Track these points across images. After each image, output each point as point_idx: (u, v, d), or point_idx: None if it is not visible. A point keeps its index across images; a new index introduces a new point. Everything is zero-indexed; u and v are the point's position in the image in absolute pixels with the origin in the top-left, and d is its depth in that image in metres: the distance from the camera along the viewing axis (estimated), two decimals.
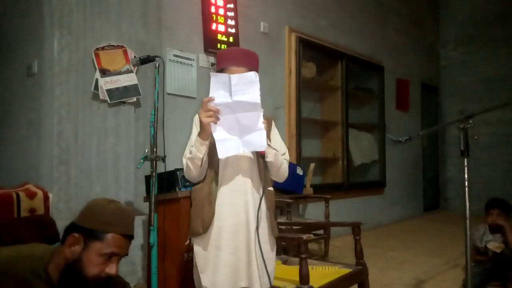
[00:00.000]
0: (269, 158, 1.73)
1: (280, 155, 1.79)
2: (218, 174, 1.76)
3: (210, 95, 1.63)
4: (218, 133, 1.66)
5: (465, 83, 7.70)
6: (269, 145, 1.72)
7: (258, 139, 1.66)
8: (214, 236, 1.74)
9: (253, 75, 1.62)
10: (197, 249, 1.77)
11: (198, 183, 1.81)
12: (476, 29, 7.62)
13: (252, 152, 1.78)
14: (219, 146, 1.65)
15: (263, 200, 1.76)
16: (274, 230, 1.83)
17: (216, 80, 1.63)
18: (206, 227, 1.73)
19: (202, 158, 1.68)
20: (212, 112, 1.62)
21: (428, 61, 7.72)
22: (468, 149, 2.22)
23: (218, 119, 1.64)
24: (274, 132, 1.86)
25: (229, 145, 1.66)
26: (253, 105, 1.62)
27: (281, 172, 1.81)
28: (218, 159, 1.73)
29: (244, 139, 1.67)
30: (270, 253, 1.80)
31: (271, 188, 1.86)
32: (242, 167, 1.76)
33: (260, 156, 1.76)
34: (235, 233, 1.72)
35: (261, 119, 1.65)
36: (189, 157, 1.70)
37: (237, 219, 1.73)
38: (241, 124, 1.66)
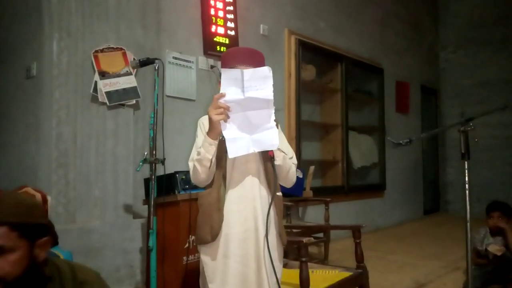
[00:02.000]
0: (277, 161, 1.65)
1: (288, 159, 1.71)
2: (226, 178, 1.69)
3: (221, 91, 1.57)
4: (228, 131, 1.58)
5: (464, 86, 7.70)
6: (278, 148, 1.65)
7: (269, 138, 1.58)
8: (222, 244, 1.66)
9: (266, 70, 1.57)
10: (205, 258, 1.69)
11: (204, 188, 1.73)
12: (475, 31, 7.62)
13: (260, 155, 1.71)
14: (229, 145, 1.57)
15: (272, 206, 1.68)
16: (283, 237, 1.76)
17: (228, 76, 1.57)
18: (215, 235, 1.64)
19: (211, 159, 1.60)
20: (222, 109, 1.54)
21: (427, 64, 7.73)
22: (468, 151, 2.20)
23: (228, 116, 1.57)
24: (280, 135, 1.75)
25: (239, 144, 1.58)
26: (266, 102, 1.56)
27: (290, 177, 1.74)
28: (225, 162, 1.67)
29: (254, 138, 1.60)
30: (276, 261, 1.71)
31: (279, 194, 1.78)
32: (249, 171, 1.69)
33: (268, 159, 1.68)
34: (244, 241, 1.65)
35: (273, 117, 1.58)
36: (197, 158, 1.62)
37: (246, 225, 1.66)
38: (251, 122, 1.59)
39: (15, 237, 1.18)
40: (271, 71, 1.57)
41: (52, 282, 1.28)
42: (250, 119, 1.58)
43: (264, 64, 1.66)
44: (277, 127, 1.64)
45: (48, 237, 1.27)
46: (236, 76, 1.56)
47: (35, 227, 1.24)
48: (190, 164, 1.67)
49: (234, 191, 1.69)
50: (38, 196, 2.58)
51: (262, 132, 1.59)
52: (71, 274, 1.33)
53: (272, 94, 1.57)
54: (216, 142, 1.61)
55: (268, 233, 1.63)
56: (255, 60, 1.69)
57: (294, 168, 1.75)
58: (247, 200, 1.68)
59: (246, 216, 1.66)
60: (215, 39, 3.83)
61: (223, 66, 1.70)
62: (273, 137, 1.59)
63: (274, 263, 1.63)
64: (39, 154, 2.92)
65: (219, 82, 1.61)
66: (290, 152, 1.76)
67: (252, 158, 1.69)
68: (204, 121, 1.72)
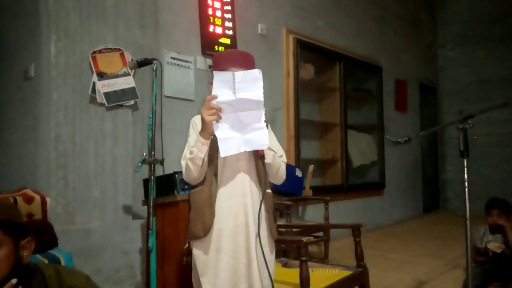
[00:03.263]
0: (267, 160, 1.72)
1: (278, 157, 1.78)
2: (217, 176, 1.75)
3: (213, 93, 1.63)
4: (220, 131, 1.64)
5: (463, 83, 7.70)
6: (268, 147, 1.71)
7: (259, 138, 1.65)
8: (214, 239, 1.72)
9: (257, 73, 1.63)
10: (197, 252, 1.75)
11: (196, 185, 1.79)
12: (473, 29, 7.63)
13: (250, 154, 1.76)
14: (221, 144, 1.64)
15: (262, 203, 1.74)
16: (273, 232, 1.83)
17: (220, 79, 1.63)
18: (207, 230, 1.71)
19: (203, 158, 1.67)
20: (214, 110, 1.61)
21: (426, 62, 7.73)
22: (468, 149, 2.21)
23: (220, 117, 1.63)
24: (270, 134, 1.83)
25: (231, 143, 1.65)
26: (256, 103, 1.63)
27: (279, 174, 1.81)
28: (217, 160, 1.73)
29: (245, 137, 1.65)
30: (269, 255, 1.78)
31: (269, 191, 1.85)
32: (240, 169, 1.75)
33: (259, 157, 1.74)
34: (235, 236, 1.71)
35: (263, 118, 1.65)
36: (190, 157, 1.68)
37: (236, 221, 1.72)
38: (242, 122, 1.65)
39: (0, 232, 1.18)
40: (261, 74, 1.63)
41: None
42: (241, 119, 1.65)
43: (255, 67, 1.74)
44: (267, 127, 1.70)
45: (29, 238, 1.27)
46: (227, 78, 1.62)
47: (17, 226, 1.24)
48: (183, 163, 1.73)
49: (225, 188, 1.75)
50: (37, 198, 2.59)
51: (253, 132, 1.65)
52: (57, 280, 1.30)
53: (263, 95, 1.63)
54: (208, 141, 1.67)
55: (259, 229, 1.69)
56: (246, 62, 1.76)
57: (283, 166, 1.82)
58: (237, 196, 1.74)
59: (236, 212, 1.72)
60: (213, 39, 3.83)
61: (215, 68, 1.76)
62: (264, 137, 1.65)
63: (266, 257, 1.69)
64: (38, 156, 2.92)
65: (211, 83, 1.67)
66: (280, 151, 1.84)
67: (243, 156, 1.75)
68: (196, 121, 1.79)
